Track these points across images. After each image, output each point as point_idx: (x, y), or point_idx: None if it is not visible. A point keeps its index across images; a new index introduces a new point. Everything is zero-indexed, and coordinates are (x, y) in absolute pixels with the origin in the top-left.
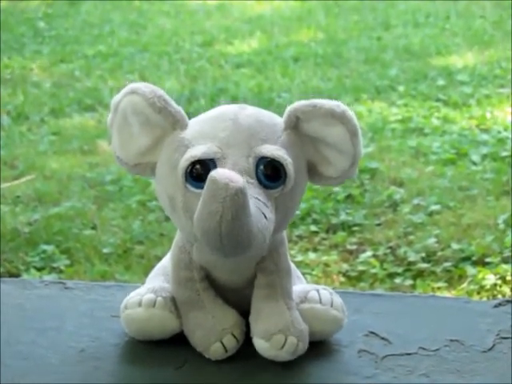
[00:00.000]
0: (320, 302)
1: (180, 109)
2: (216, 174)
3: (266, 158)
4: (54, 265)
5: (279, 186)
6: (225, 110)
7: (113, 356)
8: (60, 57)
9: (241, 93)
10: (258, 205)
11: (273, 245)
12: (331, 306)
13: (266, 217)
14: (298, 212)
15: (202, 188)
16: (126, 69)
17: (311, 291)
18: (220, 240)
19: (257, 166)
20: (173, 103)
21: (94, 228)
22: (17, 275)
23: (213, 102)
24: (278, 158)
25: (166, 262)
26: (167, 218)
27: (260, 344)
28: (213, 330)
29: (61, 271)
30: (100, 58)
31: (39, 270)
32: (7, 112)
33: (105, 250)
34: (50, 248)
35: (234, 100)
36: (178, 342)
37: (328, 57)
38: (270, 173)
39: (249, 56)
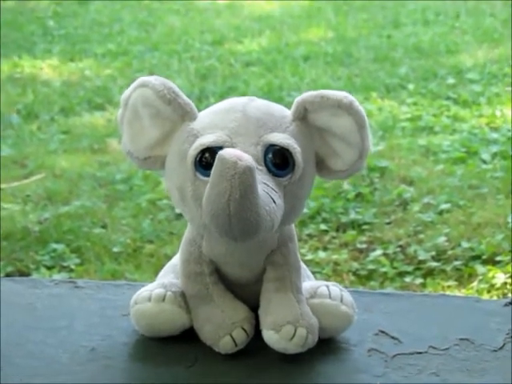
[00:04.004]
0: (330, 297)
1: (189, 101)
2: (224, 152)
3: (275, 145)
4: (65, 264)
5: (288, 174)
6: (234, 102)
7: (123, 355)
8: (70, 56)
9: (250, 91)
10: (267, 190)
11: (282, 239)
12: (341, 301)
13: (274, 202)
14: (307, 210)
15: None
16: (136, 67)
17: (321, 287)
18: (229, 220)
19: (265, 154)
20: (183, 95)
21: (104, 227)
22: (27, 274)
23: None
24: (287, 145)
25: (176, 260)
26: (177, 217)
27: (269, 335)
28: (222, 324)
29: (71, 270)
30: (110, 57)
31: (49, 268)
32: (17, 111)
33: (115, 249)
34: (60, 247)
35: None
36: (188, 340)
37: (338, 55)
38: (279, 161)
39: (258, 55)
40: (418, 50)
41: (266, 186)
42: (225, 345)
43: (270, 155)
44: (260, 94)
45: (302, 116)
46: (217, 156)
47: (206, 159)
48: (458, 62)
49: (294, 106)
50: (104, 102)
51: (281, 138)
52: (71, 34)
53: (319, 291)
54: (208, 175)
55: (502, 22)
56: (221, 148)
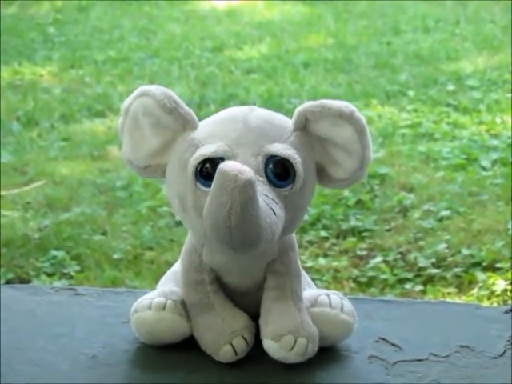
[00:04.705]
0: (330, 306)
1: (190, 110)
2: (225, 166)
3: (276, 156)
4: (65, 271)
5: (288, 185)
6: (235, 111)
7: (124, 362)
8: (70, 62)
9: (251, 98)
10: (268, 201)
11: (283, 247)
12: (341, 310)
13: (275, 213)
14: (307, 217)
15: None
16: (136, 74)
17: (321, 295)
18: (229, 233)
19: (266, 165)
20: (183, 104)
21: (104, 234)
22: (27, 281)
23: (223, 108)
24: (287, 156)
25: (177, 267)
26: (177, 224)
27: (270, 345)
28: (223, 333)
29: (71, 277)
30: (110, 64)
31: (50, 275)
32: (17, 118)
33: (115, 256)
34: (60, 254)
35: (244, 105)
36: (188, 347)
37: (338, 62)
38: (280, 171)
39: (258, 61)
40: (418, 56)
41: (266, 198)
42: (225, 354)
43: (271, 166)
44: (260, 100)
45: (303, 126)
46: (217, 169)
47: (206, 169)
48: (458, 69)
49: (294, 116)
50: (104, 108)
51: (281, 149)
52: (71, 40)
53: (319, 300)
54: (209, 185)
55: (502, 29)
56: (221, 158)
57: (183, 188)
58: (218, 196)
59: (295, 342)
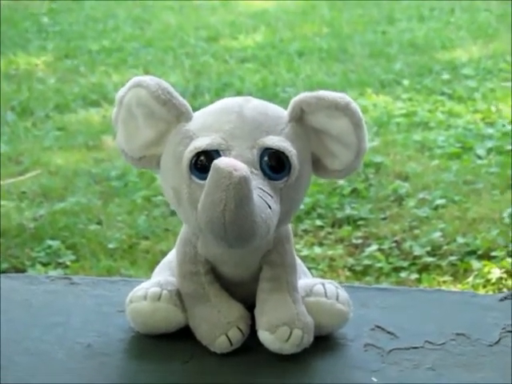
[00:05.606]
0: (325, 295)
1: (185, 101)
2: (219, 162)
3: (271, 149)
4: (60, 260)
5: (283, 178)
6: (229, 102)
7: (119, 351)
8: (64, 52)
9: (245, 87)
10: (262, 195)
11: (278, 238)
12: (337, 299)
13: (270, 207)
14: (303, 206)
15: (206, 179)
16: (131, 64)
17: (317, 285)
18: (224, 229)
19: (261, 157)
20: (178, 96)
21: (99, 223)
22: (22, 271)
23: (218, 97)
24: (283, 149)
25: (172, 256)
26: (172, 213)
27: (265, 336)
28: (218, 324)
29: (66, 267)
30: (104, 54)
31: (45, 265)
32: (12, 108)
33: (110, 246)
34: (55, 243)
35: (239, 95)
36: (184, 336)
37: (333, 51)
38: (275, 164)
39: (253, 51)
40: (412, 45)
41: (261, 191)
42: (220, 344)
43: (266, 158)
44: (255, 89)
45: (299, 117)
46: (212, 165)
47: (201, 162)
48: (453, 58)
49: (290, 107)
50: (99, 98)
51: (276, 141)
52: (66, 30)
53: (315, 289)
54: (203, 178)
55: (497, 18)
56: (216, 151)
57: (178, 180)
58: (212, 193)
59: (291, 333)
